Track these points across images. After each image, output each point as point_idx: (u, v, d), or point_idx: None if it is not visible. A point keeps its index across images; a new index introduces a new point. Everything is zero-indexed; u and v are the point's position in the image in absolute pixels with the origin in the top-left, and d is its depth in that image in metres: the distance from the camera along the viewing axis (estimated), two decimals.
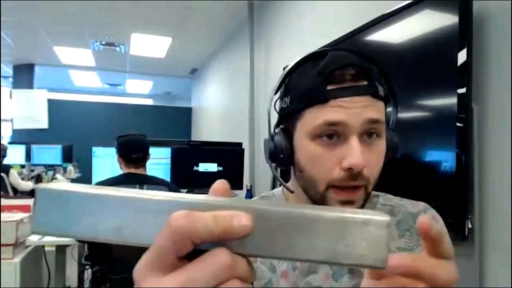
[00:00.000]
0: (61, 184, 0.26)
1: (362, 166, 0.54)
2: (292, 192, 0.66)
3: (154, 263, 0.23)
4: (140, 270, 0.24)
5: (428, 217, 0.67)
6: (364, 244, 0.23)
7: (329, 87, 0.56)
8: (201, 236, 0.22)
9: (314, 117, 0.57)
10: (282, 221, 0.23)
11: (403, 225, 0.67)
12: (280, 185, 0.70)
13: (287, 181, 0.69)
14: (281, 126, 0.65)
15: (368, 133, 0.57)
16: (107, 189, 0.25)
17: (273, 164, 0.65)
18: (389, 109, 0.66)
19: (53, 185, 0.25)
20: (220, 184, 0.26)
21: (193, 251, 0.23)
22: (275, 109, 0.65)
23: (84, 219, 0.24)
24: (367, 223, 0.23)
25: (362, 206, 0.60)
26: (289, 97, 0.61)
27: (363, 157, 0.54)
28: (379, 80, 0.59)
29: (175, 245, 0.23)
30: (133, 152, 2.00)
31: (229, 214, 0.23)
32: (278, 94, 0.66)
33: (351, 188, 0.57)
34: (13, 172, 4.23)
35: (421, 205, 0.70)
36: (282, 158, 0.62)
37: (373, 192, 0.69)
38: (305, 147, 0.59)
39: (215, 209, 0.23)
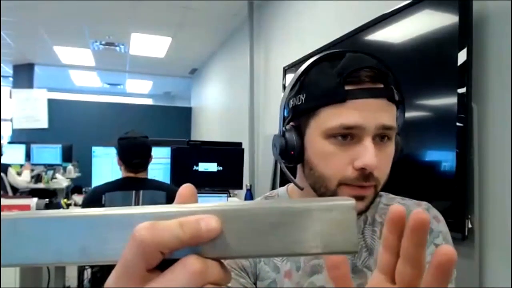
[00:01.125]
0: (24, 212, 0.25)
1: (375, 166, 0.55)
2: (302, 189, 0.65)
3: (123, 279, 0.23)
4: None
5: (430, 216, 0.67)
6: (333, 231, 0.23)
7: (347, 88, 0.57)
8: (168, 245, 0.22)
9: (330, 117, 0.57)
10: (249, 219, 0.23)
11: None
12: (280, 185, 0.70)
13: (288, 181, 0.69)
14: (291, 123, 0.65)
15: (380, 136, 0.58)
16: (67, 211, 0.24)
17: (282, 160, 0.65)
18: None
19: (16, 213, 0.24)
20: (186, 188, 0.26)
21: (165, 260, 0.22)
22: (288, 106, 0.65)
23: (49, 244, 0.23)
24: (333, 209, 0.23)
25: (371, 203, 0.61)
26: (304, 95, 0.61)
27: (377, 158, 0.55)
28: (394, 84, 0.60)
29: (143, 258, 0.22)
30: (134, 157, 1.93)
31: (195, 219, 0.22)
32: (288, 91, 0.65)
33: (362, 186, 0.58)
34: (11, 171, 4.23)
35: (424, 204, 0.70)
36: (293, 155, 0.62)
37: None
38: (318, 145, 0.59)
39: (180, 215, 0.23)
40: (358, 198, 0.58)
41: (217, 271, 0.23)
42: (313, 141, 0.60)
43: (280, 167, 0.66)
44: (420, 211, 0.25)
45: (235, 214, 0.23)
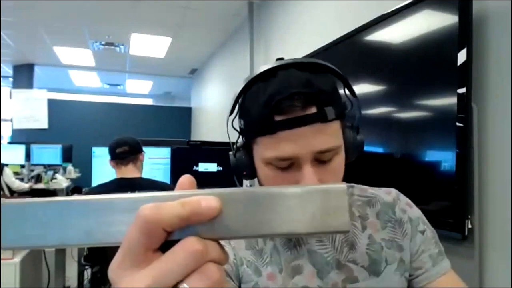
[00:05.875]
0: (23, 199, 0.26)
1: None
2: None
3: (127, 259, 0.23)
4: (114, 269, 0.24)
5: (403, 204, 0.69)
6: (327, 211, 0.25)
7: (277, 118, 0.55)
8: (169, 222, 0.23)
9: (266, 148, 0.58)
10: (247, 201, 0.25)
11: (383, 216, 0.69)
12: None
13: None
14: (243, 141, 0.66)
15: (320, 159, 0.57)
16: (72, 197, 0.25)
17: (239, 176, 0.67)
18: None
19: (17, 200, 0.25)
20: (185, 178, 0.27)
21: (168, 246, 0.24)
22: (233, 127, 0.65)
23: (52, 227, 0.24)
24: (327, 192, 0.25)
25: None
26: (243, 121, 0.62)
27: (318, 181, 0.55)
28: (330, 100, 0.56)
29: (146, 236, 0.23)
30: (116, 147, 1.95)
31: (197, 199, 0.24)
32: (229, 112, 0.66)
33: None
34: (7, 171, 4.21)
35: (393, 192, 0.72)
36: (246, 174, 0.65)
37: (347, 184, 0.71)
38: (262, 170, 0.61)
39: (182, 198, 0.24)
40: None
41: (216, 250, 0.24)
42: (258, 164, 0.62)
43: (236, 183, 0.69)
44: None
45: (234, 197, 0.25)
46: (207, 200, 0.24)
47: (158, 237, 0.23)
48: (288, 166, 0.58)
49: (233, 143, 0.67)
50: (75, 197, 0.25)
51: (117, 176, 1.96)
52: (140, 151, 2.03)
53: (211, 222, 0.24)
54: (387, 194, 0.72)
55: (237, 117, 0.66)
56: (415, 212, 0.71)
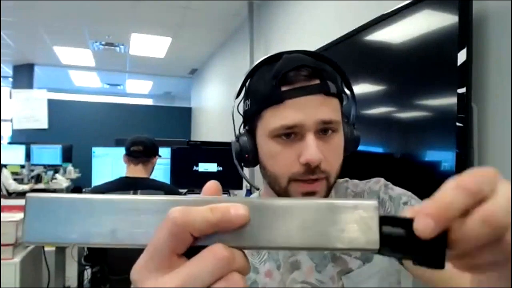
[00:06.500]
0: (50, 194, 0.25)
1: (317, 161, 0.57)
2: (257, 188, 0.71)
3: (153, 262, 0.23)
4: (138, 271, 0.24)
5: (387, 188, 0.69)
6: (356, 228, 0.24)
7: (283, 88, 0.59)
8: (198, 227, 0.22)
9: (272, 119, 0.60)
10: (276, 212, 0.24)
11: None
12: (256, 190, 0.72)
13: None
14: (246, 128, 0.69)
15: (323, 130, 0.60)
16: (98, 195, 0.25)
17: (241, 163, 0.69)
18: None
19: (43, 194, 0.25)
20: (212, 184, 0.27)
21: (192, 252, 0.23)
22: (239, 112, 0.69)
23: (77, 225, 0.24)
24: (357, 207, 0.24)
25: (325, 197, 0.62)
26: (249, 100, 0.66)
27: (320, 152, 0.57)
28: (332, 78, 0.62)
29: (174, 239, 0.22)
30: (131, 145, 1.98)
31: (225, 205, 0.23)
32: (241, 97, 0.70)
33: (312, 181, 0.60)
34: (5, 172, 4.21)
35: (382, 181, 0.74)
36: (248, 158, 0.66)
37: (341, 179, 0.73)
38: (266, 146, 0.62)
39: (211, 203, 0.24)
40: (310, 194, 0.60)
41: (241, 260, 0.24)
42: (262, 142, 0.64)
43: (238, 170, 0.70)
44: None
45: (263, 207, 0.24)
46: (236, 207, 0.23)
47: (184, 241, 0.23)
48: (292, 138, 0.60)
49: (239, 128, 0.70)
50: (101, 195, 0.25)
51: (126, 173, 1.98)
52: (155, 154, 2.05)
53: (237, 231, 0.23)
54: (376, 183, 0.73)
55: (241, 102, 0.69)
56: (397, 190, 0.71)
